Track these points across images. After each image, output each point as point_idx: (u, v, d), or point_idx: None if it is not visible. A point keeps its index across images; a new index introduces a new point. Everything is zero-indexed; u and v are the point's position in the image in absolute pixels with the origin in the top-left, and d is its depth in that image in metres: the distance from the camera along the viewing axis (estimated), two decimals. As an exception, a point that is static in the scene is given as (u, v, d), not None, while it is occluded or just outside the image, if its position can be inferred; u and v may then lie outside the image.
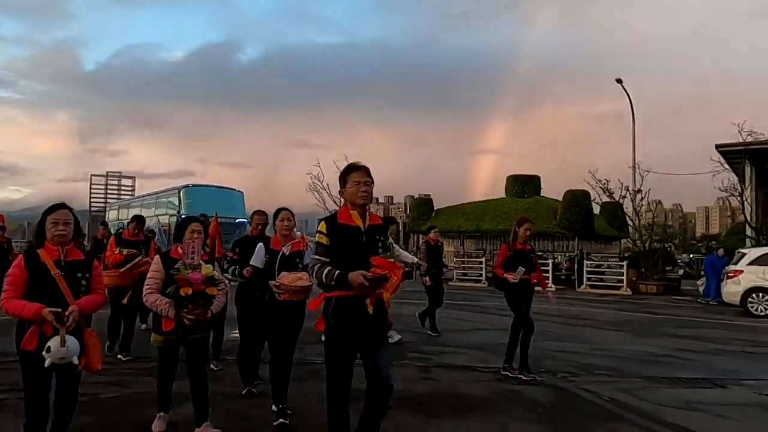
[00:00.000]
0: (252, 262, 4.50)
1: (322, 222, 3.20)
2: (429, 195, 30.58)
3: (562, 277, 20.77)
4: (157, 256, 4.02)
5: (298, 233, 4.64)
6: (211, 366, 5.46)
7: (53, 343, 2.91)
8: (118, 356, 6.03)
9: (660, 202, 20.24)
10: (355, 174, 3.15)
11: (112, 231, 10.28)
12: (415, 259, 7.82)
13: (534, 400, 4.82)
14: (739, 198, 18.56)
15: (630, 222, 20.84)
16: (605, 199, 20.27)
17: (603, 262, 20.96)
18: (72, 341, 2.95)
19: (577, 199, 19.16)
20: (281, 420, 3.95)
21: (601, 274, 18.82)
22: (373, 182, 3.22)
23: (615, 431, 4.13)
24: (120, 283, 6.18)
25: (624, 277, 17.73)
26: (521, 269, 5.55)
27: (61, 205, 3.29)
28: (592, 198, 19.55)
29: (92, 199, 46.97)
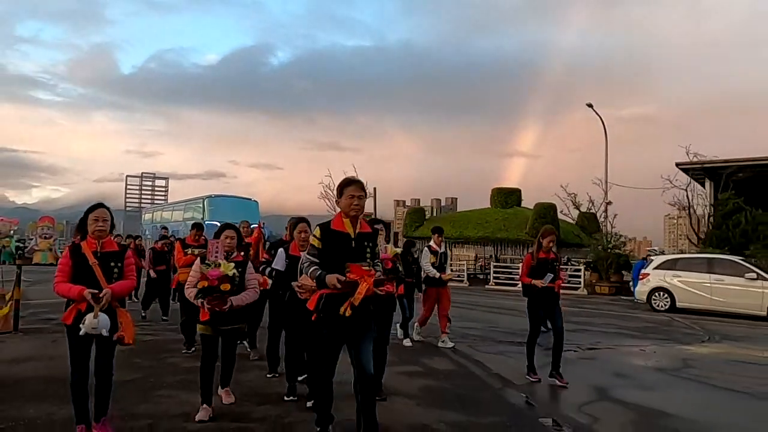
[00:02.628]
0: (273, 265, 5.03)
1: (317, 227, 3.59)
2: (456, 197, 33.58)
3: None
4: (197, 258, 4.50)
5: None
6: (249, 356, 6.44)
7: (88, 317, 3.47)
8: (183, 352, 6.69)
9: (615, 214, 22.54)
10: (350, 188, 3.53)
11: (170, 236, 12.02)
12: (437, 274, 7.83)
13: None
14: (686, 212, 21.01)
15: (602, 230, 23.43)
16: (573, 210, 22.98)
17: (566, 266, 23.52)
18: (103, 317, 3.49)
19: (545, 210, 21.85)
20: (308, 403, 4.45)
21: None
22: (366, 195, 3.63)
23: (456, 375, 7.02)
24: None
25: (582, 279, 20.36)
26: (550, 275, 5.71)
27: (100, 205, 3.86)
28: (559, 209, 22.27)
29: (127, 199, 50.52)
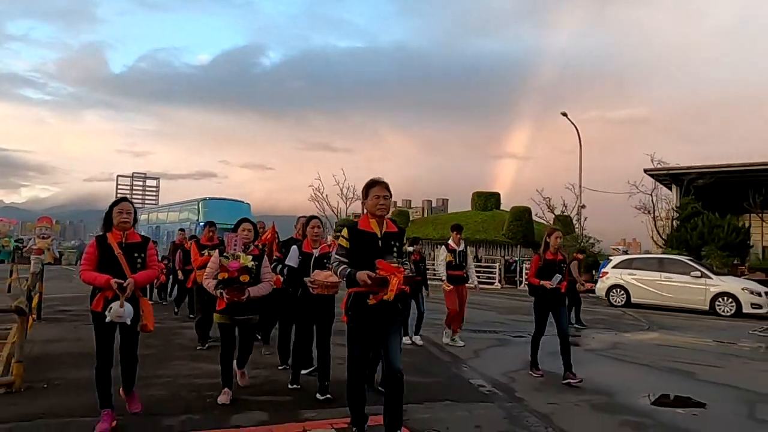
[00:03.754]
0: (287, 262, 5.15)
1: (345, 228, 3.70)
2: (447, 198, 34.90)
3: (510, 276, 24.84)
4: (216, 251, 4.67)
5: (330, 237, 5.68)
6: (262, 351, 6.55)
7: (114, 305, 3.65)
8: (198, 348, 6.89)
9: (586, 217, 24.02)
10: (375, 189, 3.64)
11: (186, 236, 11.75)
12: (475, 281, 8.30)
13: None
14: (651, 215, 22.51)
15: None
16: (548, 213, 24.40)
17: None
18: (128, 306, 3.68)
19: (520, 213, 23.28)
20: (327, 395, 4.64)
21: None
22: (391, 195, 3.70)
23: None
24: None
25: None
26: (558, 276, 5.76)
27: (124, 199, 4.10)
28: (535, 213, 23.70)
29: None
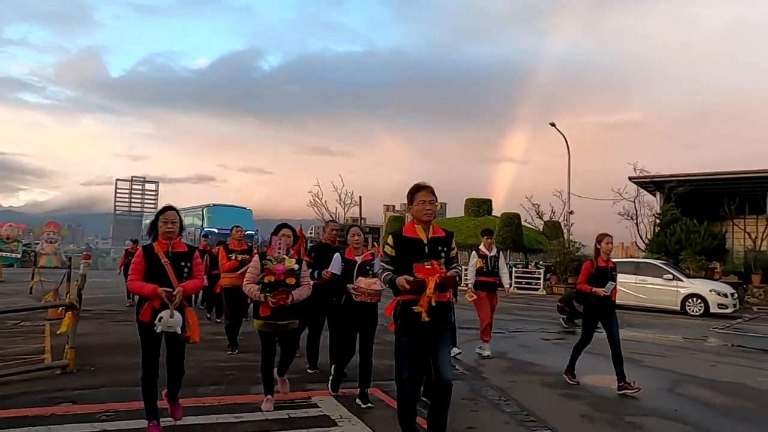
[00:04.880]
0: (330, 269, 5.17)
1: (390, 236, 3.66)
2: (445, 203, 36.03)
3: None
4: (257, 255, 4.67)
5: (375, 245, 7.04)
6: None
7: (164, 314, 3.60)
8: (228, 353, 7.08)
9: (572, 223, 25.17)
10: (420, 193, 3.59)
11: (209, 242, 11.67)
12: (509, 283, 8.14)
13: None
14: (634, 221, 23.66)
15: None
16: (537, 219, 25.56)
17: (534, 270, 26.06)
18: (177, 315, 3.63)
19: (510, 219, 24.39)
20: (369, 404, 4.73)
21: (524, 279, 23.96)
22: (436, 199, 3.63)
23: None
24: (239, 284, 6.99)
25: (541, 281, 22.85)
26: (611, 284, 5.66)
27: (169, 207, 3.96)
28: (523, 219, 24.84)
29: (117, 203, 51.39)
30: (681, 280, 15.37)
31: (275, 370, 4.74)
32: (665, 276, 15.53)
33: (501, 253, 7.97)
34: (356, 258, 5.01)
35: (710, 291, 14.89)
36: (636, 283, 15.91)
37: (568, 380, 6.00)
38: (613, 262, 5.93)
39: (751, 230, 22.40)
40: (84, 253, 17.70)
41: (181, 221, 3.96)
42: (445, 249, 3.56)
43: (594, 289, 5.66)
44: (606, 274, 5.72)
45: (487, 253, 7.57)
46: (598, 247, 5.81)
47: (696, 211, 22.25)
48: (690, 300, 14.99)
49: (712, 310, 14.57)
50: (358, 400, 4.81)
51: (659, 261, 17.03)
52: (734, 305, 14.92)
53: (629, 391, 5.59)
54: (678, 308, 15.08)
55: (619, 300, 16.49)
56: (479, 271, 7.48)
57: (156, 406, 3.82)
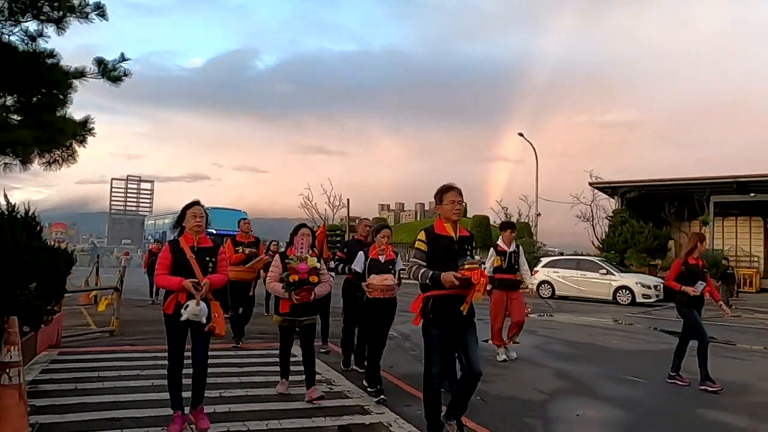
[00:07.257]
0: (354, 266, 5.40)
1: (422, 231, 3.80)
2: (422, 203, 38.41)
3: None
4: (278, 254, 4.83)
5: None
6: (320, 349, 6.55)
7: (191, 303, 3.73)
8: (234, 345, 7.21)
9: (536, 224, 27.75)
10: (450, 194, 3.77)
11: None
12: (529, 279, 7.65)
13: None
14: (590, 222, 26.32)
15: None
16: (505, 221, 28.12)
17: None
18: (203, 305, 3.76)
19: (479, 220, 26.99)
20: (381, 397, 4.73)
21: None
22: (463, 199, 3.84)
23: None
24: (245, 277, 7.19)
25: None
26: (702, 283, 5.56)
27: (197, 203, 4.09)
28: (492, 220, 27.40)
29: (112, 202, 51.33)
30: (613, 275, 17.95)
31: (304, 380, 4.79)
32: (600, 271, 18.12)
33: (521, 248, 7.28)
34: (380, 257, 5.17)
35: (636, 284, 17.46)
36: (577, 277, 18.51)
37: (709, 388, 5.53)
38: (703, 261, 5.90)
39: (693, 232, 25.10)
40: (124, 251, 20.20)
41: (207, 216, 4.07)
42: (470, 247, 3.78)
43: (683, 287, 5.62)
44: (698, 272, 5.70)
45: (506, 248, 6.91)
46: (699, 246, 5.74)
47: (647, 214, 24.90)
48: (620, 291, 17.56)
49: (638, 300, 17.12)
50: (372, 395, 4.88)
51: (597, 257, 19.66)
52: (657, 296, 17.41)
53: (710, 388, 5.53)
54: (610, 298, 17.64)
55: (564, 291, 19.56)
56: (497, 269, 6.85)
57: (181, 397, 3.90)
